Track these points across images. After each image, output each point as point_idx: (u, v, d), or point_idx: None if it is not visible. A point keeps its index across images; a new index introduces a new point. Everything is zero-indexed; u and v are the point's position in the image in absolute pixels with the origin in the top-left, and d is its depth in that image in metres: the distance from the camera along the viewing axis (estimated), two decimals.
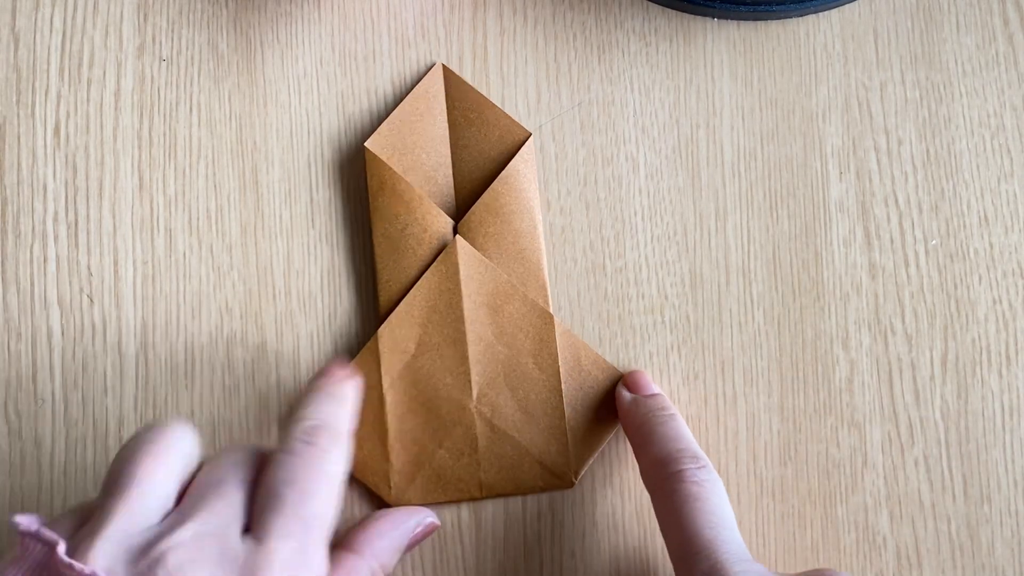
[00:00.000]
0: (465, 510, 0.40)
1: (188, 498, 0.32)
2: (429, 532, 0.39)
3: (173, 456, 0.32)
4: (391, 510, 0.38)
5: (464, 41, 0.43)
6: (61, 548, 0.29)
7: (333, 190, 0.42)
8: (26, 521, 0.29)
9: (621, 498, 0.41)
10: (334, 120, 0.43)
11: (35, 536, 0.29)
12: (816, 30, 0.44)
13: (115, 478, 0.31)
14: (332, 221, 0.42)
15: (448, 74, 0.43)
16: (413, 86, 0.43)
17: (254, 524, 0.31)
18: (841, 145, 0.43)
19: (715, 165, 0.43)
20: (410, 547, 0.38)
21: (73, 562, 0.28)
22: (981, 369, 0.42)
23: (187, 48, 0.43)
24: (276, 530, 0.31)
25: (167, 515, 0.31)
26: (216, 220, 0.42)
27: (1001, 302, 0.42)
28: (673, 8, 0.44)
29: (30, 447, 0.40)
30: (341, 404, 0.36)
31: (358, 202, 0.42)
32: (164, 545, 0.29)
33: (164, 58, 0.43)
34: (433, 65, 0.43)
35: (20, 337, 0.41)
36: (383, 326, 0.41)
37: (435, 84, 0.43)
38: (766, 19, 0.44)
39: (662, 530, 0.36)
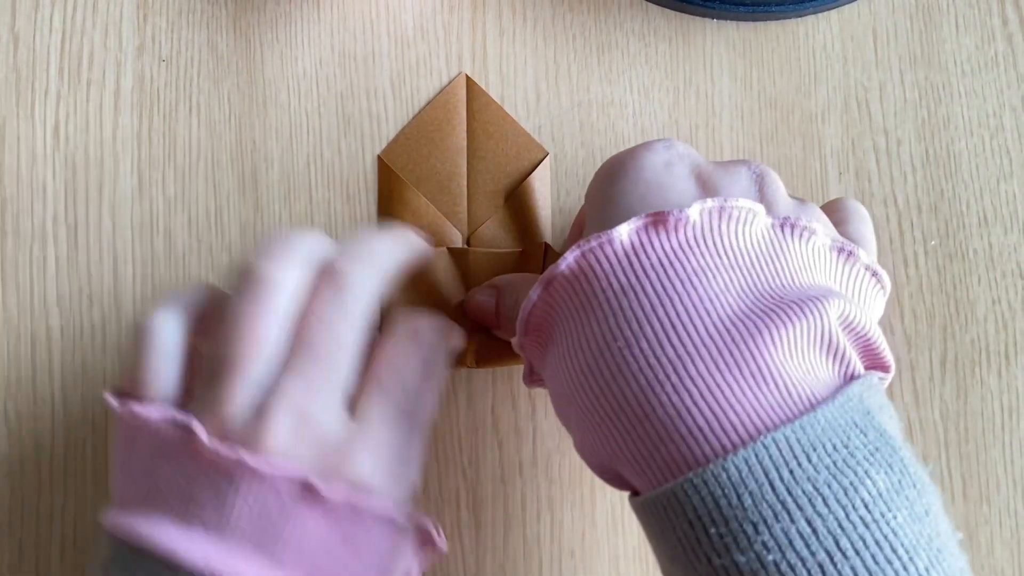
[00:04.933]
0: (465, 510, 0.40)
1: (298, 351, 0.30)
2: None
3: (281, 300, 0.30)
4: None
5: (464, 42, 0.43)
6: (201, 432, 0.29)
7: (332, 191, 0.42)
8: (147, 410, 0.30)
9: (621, 498, 0.41)
10: (333, 121, 0.43)
11: (169, 421, 0.29)
12: (815, 30, 0.44)
13: (228, 338, 0.30)
14: (331, 221, 0.42)
15: (471, 85, 0.43)
16: (412, 87, 0.43)
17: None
18: (840, 146, 0.43)
19: None
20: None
21: (220, 449, 0.28)
22: (980, 369, 0.42)
23: (187, 48, 0.43)
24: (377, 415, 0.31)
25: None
26: (216, 220, 0.42)
27: (1000, 302, 0.42)
28: (672, 9, 0.44)
29: (30, 448, 0.40)
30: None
31: (357, 202, 0.42)
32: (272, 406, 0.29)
33: (164, 58, 0.43)
34: (457, 75, 0.43)
35: (20, 337, 0.41)
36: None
37: (457, 94, 0.43)
38: (765, 20, 0.44)
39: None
